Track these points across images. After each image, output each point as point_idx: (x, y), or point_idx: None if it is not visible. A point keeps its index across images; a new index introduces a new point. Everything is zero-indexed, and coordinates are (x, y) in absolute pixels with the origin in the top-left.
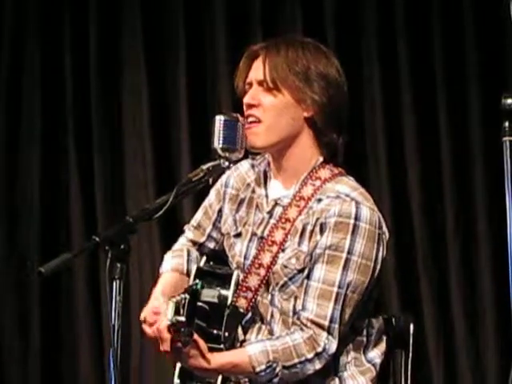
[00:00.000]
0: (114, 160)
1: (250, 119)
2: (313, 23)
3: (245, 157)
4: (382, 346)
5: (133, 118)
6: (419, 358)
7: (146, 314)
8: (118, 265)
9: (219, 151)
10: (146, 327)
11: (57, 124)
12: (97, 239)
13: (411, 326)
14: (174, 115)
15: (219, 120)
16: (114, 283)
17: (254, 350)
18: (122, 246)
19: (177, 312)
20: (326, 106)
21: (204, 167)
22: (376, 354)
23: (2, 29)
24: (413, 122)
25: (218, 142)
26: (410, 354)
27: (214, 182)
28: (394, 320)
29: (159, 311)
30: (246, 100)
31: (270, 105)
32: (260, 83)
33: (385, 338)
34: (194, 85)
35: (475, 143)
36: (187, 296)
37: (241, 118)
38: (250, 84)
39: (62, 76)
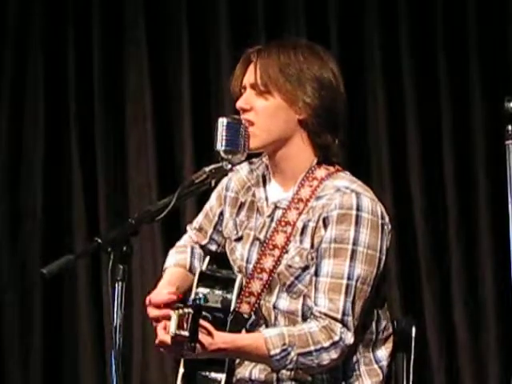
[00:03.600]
0: (117, 162)
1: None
2: (316, 23)
3: (247, 159)
4: (390, 345)
5: (136, 118)
6: (421, 361)
7: (151, 296)
8: (121, 266)
9: (222, 154)
10: (150, 309)
11: (60, 123)
12: (99, 241)
13: (413, 329)
14: (176, 116)
15: (222, 123)
16: (116, 285)
17: (270, 333)
18: (125, 248)
19: (180, 325)
20: (319, 108)
21: (207, 169)
22: (384, 354)
23: (5, 29)
24: (416, 124)
25: (220, 145)
26: (412, 357)
27: (217, 184)
28: (396, 323)
29: (163, 301)
30: (239, 104)
31: (261, 108)
32: (252, 87)
33: (392, 337)
34: (197, 84)
35: (478, 146)
36: (191, 311)
37: (243, 121)
38: (245, 88)
39: (65, 75)
